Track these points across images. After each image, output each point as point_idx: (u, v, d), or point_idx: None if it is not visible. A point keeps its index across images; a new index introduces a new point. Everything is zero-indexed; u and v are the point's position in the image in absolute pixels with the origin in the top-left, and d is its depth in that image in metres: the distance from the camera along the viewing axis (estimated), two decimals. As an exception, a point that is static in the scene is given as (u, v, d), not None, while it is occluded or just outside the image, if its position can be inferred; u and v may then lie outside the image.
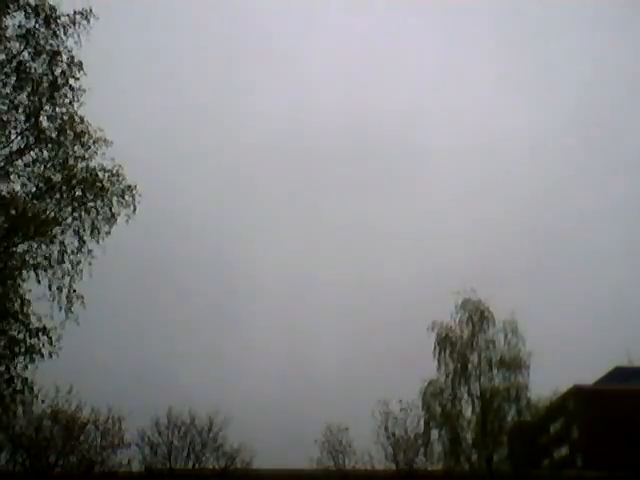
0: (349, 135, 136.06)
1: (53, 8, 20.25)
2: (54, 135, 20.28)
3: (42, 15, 20.10)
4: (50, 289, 20.06)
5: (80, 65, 20.53)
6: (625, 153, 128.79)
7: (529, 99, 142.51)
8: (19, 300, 19.66)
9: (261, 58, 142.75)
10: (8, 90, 19.99)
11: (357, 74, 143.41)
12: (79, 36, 20.41)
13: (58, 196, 20.30)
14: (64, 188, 20.27)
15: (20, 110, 20.07)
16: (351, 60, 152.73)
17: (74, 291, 20.42)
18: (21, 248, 20.01)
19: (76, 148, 20.50)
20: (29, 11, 20.07)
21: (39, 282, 19.99)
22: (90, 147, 20.65)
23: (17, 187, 20.07)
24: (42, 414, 44.43)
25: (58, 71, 20.30)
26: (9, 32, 20.04)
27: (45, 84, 20.17)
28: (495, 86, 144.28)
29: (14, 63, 20.00)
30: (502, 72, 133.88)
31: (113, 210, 20.82)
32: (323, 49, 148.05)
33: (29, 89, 20.05)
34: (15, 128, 20.11)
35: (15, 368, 19.43)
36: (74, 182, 20.34)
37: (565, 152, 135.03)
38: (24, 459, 45.43)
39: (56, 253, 20.27)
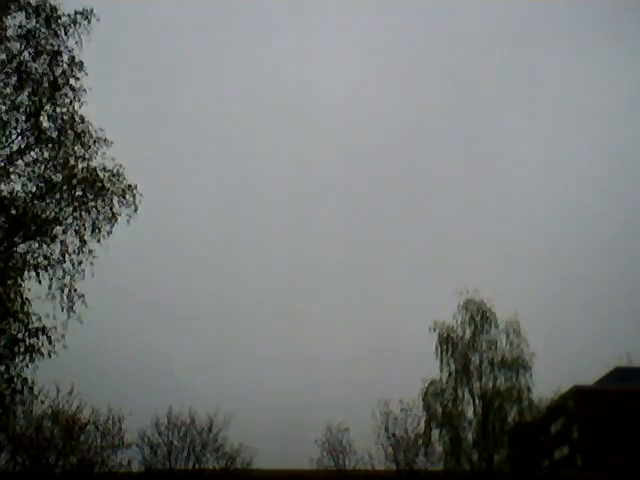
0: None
1: (54, 8, 20.31)
2: (55, 135, 20.25)
3: (43, 15, 20.14)
4: (50, 288, 20.00)
5: (81, 65, 20.55)
6: (625, 151, 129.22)
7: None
8: (19, 300, 19.60)
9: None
10: (9, 90, 20.00)
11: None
12: (80, 36, 20.46)
13: (59, 196, 20.26)
14: (65, 188, 20.23)
15: (21, 110, 20.06)
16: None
17: (75, 290, 20.36)
18: (22, 248, 19.99)
19: (76, 148, 20.48)
20: (30, 11, 20.12)
21: (40, 282, 19.94)
22: (91, 147, 20.63)
23: (18, 187, 20.07)
24: (42, 414, 44.37)
25: (59, 71, 20.33)
26: (10, 32, 20.08)
27: (46, 84, 20.18)
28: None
29: (15, 63, 20.00)
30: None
31: (114, 210, 20.80)
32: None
33: (30, 89, 20.05)
34: (16, 128, 20.11)
35: (15, 368, 19.38)
36: (75, 182, 20.31)
37: (567, 151, 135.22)
38: (24, 459, 45.28)
39: (57, 253, 20.26)
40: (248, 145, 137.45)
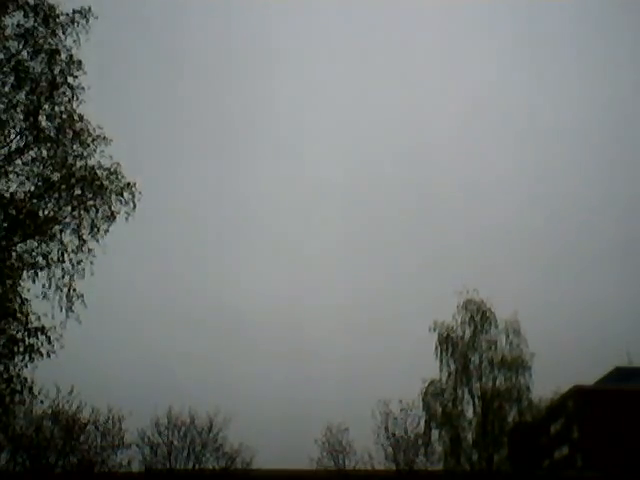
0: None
1: (52, 7, 20.28)
2: (53, 134, 20.22)
3: (41, 14, 20.11)
4: (49, 288, 19.97)
5: (79, 64, 20.53)
6: (626, 153, 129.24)
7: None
8: (18, 299, 19.56)
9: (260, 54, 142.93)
10: (7, 89, 19.97)
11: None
12: (78, 35, 20.44)
13: (57, 195, 20.21)
14: (63, 187, 20.17)
15: (19, 109, 20.02)
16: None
17: (74, 290, 20.32)
18: (20, 247, 19.91)
19: (75, 147, 20.44)
20: (28, 10, 20.08)
21: (35, 281, 19.91)
22: (89, 145, 20.59)
23: (16, 186, 20.02)
24: (42, 414, 44.34)
25: (57, 70, 20.27)
26: (8, 31, 20.03)
27: (44, 83, 20.14)
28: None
29: (13, 62, 19.96)
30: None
31: (112, 208, 20.74)
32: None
33: (28, 88, 20.01)
34: (14, 127, 20.06)
35: (14, 368, 19.35)
36: (73, 181, 20.25)
37: (566, 152, 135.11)
38: (24, 459, 45.26)
39: (55, 252, 20.18)
40: (247, 140, 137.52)
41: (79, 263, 20.48)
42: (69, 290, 20.22)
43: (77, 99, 20.41)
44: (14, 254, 19.89)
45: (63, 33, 20.27)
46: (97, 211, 20.62)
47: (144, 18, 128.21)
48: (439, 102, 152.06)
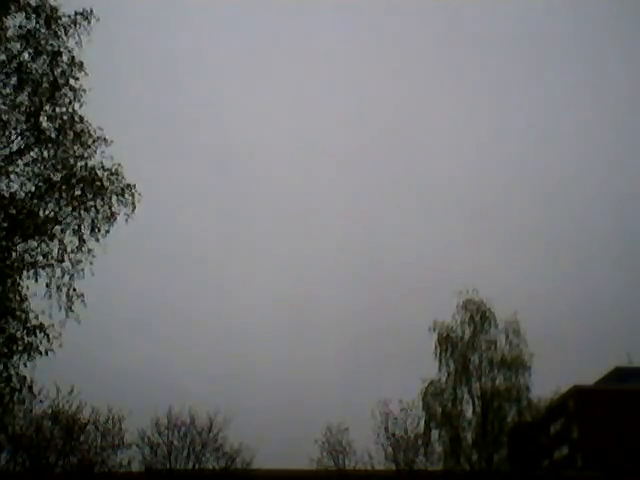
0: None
1: (54, 9, 20.33)
2: (54, 135, 20.29)
3: (43, 16, 20.15)
4: (49, 287, 20.05)
5: (81, 65, 20.60)
6: (627, 152, 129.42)
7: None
8: (18, 298, 19.63)
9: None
10: (8, 90, 20.01)
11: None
12: (80, 36, 20.52)
13: (58, 195, 20.25)
14: (64, 187, 20.23)
15: (20, 110, 20.08)
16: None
17: (74, 290, 20.40)
18: (21, 247, 19.98)
19: (76, 148, 20.51)
20: (30, 12, 20.11)
21: (36, 280, 19.97)
22: (90, 146, 20.66)
23: (17, 186, 20.09)
24: (42, 414, 44.36)
25: (58, 71, 20.33)
26: (10, 32, 20.06)
27: (45, 84, 20.19)
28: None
29: (15, 63, 20.00)
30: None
31: (113, 209, 20.80)
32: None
33: (29, 89, 20.06)
34: (15, 128, 20.10)
35: (13, 366, 19.39)
36: (73, 181, 20.32)
37: (566, 152, 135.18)
38: (24, 459, 45.24)
39: (56, 252, 20.26)
40: (248, 139, 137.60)
41: (79, 263, 20.56)
42: (69, 290, 20.30)
43: (78, 101, 20.50)
44: (14, 254, 19.94)
45: (65, 35, 20.33)
46: (97, 211, 20.69)
47: (147, 19, 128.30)
48: (438, 101, 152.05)
